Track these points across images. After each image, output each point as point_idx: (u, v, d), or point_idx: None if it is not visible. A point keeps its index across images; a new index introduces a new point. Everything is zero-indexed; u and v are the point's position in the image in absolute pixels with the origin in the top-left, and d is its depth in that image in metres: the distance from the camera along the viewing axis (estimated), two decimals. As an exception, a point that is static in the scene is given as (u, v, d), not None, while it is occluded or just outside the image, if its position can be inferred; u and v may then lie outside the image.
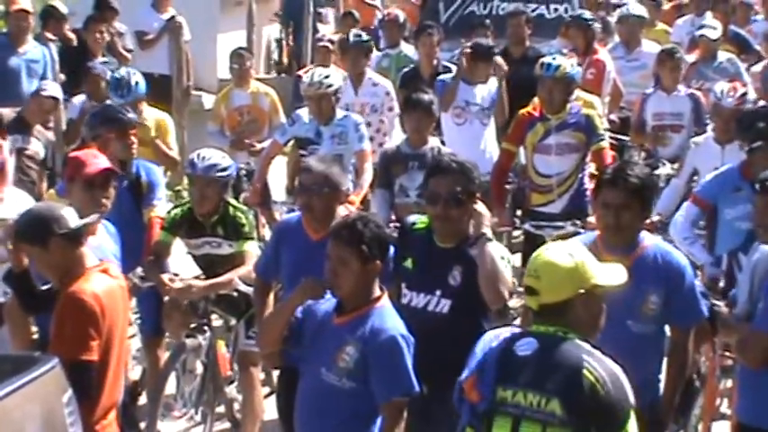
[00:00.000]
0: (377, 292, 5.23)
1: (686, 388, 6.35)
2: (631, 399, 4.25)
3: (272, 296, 6.87)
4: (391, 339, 5.10)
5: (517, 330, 4.49)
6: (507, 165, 9.15)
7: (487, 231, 5.73)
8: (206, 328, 7.59)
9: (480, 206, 5.80)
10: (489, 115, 10.34)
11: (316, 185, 6.43)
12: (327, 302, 5.27)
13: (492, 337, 4.45)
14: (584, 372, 4.17)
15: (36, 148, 8.60)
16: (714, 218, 7.69)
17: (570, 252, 4.33)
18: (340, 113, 9.33)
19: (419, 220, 6.03)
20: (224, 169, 7.53)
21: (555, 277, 4.26)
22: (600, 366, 4.20)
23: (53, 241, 5.43)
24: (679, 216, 7.82)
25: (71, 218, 5.52)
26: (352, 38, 11.12)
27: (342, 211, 6.61)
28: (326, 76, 9.28)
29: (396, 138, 10.41)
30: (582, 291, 4.26)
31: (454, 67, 10.87)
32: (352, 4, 17.44)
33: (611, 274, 4.38)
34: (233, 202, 7.88)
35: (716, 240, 7.70)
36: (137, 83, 9.47)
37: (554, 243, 4.49)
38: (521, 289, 9.92)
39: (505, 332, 4.46)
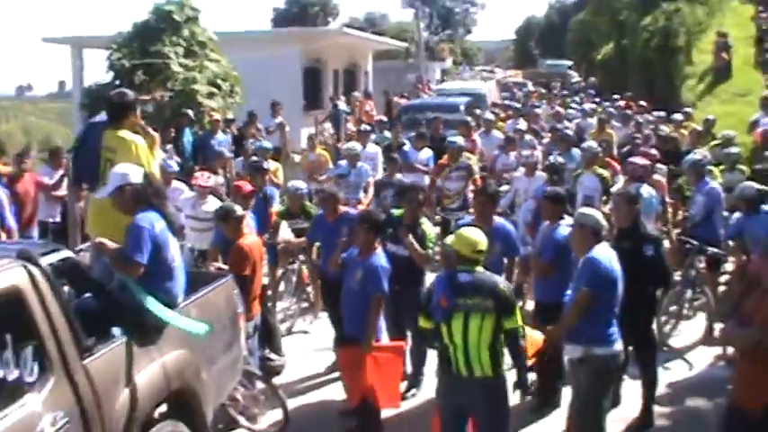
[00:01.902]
0: (376, 245, 5.18)
1: (518, 291, 6.27)
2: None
3: (314, 248, 6.78)
4: (375, 267, 5.04)
5: (450, 271, 4.23)
6: (433, 186, 9.13)
7: (410, 238, 5.58)
8: (297, 261, 7.57)
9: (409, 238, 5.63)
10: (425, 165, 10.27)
11: (325, 198, 6.35)
12: (356, 250, 5.21)
13: (440, 276, 4.24)
14: (500, 284, 4.08)
15: (220, 181, 8.68)
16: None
17: (477, 233, 4.20)
18: (359, 164, 9.29)
19: (397, 211, 5.98)
20: (302, 189, 7.53)
21: (470, 244, 4.12)
22: (502, 282, 4.14)
23: (230, 221, 5.49)
24: (525, 205, 7.71)
25: (238, 211, 5.60)
26: (362, 129, 11.16)
27: (354, 210, 6.53)
28: (354, 147, 9.38)
29: (378, 173, 10.35)
30: (480, 249, 4.14)
31: (407, 142, 10.86)
32: (362, 112, 17.37)
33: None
34: (307, 204, 7.83)
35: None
36: (263, 141, 10.11)
37: (467, 227, 4.28)
38: (440, 243, 9.84)
39: (445, 273, 4.24)
